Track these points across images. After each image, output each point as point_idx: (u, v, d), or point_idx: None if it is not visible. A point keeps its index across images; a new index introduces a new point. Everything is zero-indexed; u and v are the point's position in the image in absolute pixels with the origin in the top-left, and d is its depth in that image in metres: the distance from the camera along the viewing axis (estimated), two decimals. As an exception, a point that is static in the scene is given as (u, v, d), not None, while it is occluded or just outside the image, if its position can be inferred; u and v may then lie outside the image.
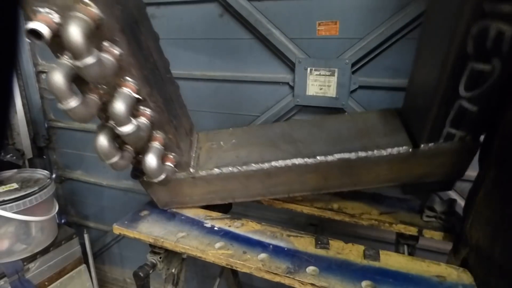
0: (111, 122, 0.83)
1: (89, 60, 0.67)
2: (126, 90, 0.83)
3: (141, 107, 0.91)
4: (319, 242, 1.09)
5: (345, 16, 1.46)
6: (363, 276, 0.95)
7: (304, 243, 1.11)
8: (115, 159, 0.88)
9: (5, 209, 1.64)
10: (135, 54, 0.82)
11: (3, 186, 1.78)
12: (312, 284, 0.93)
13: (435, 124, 1.02)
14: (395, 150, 1.07)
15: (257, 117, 1.78)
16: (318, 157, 1.10)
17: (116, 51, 0.77)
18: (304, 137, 1.20)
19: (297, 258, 1.04)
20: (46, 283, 1.92)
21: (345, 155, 1.08)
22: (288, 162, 1.11)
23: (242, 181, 1.17)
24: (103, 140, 0.85)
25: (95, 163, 2.43)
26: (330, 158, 1.09)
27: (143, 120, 0.90)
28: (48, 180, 1.90)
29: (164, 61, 1.09)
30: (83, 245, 2.24)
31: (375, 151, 1.08)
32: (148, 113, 0.92)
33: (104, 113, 0.88)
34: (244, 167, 1.13)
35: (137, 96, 0.85)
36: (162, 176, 0.98)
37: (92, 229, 2.59)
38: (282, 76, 1.67)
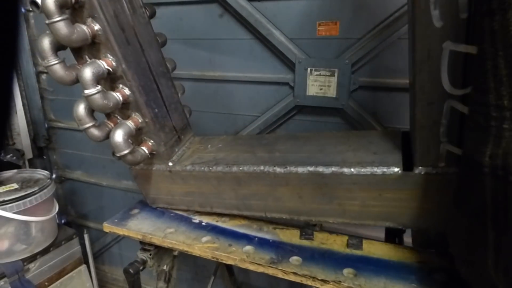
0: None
1: (56, 18, 0.82)
2: (100, 61, 0.95)
3: (120, 85, 1.02)
4: (304, 233, 1.10)
5: (345, 16, 1.46)
6: (345, 264, 0.97)
7: (289, 235, 1.13)
8: (87, 125, 0.99)
9: (5, 209, 1.64)
10: (114, 33, 0.95)
11: (3, 186, 1.78)
12: (294, 273, 0.96)
13: (424, 136, 0.81)
14: (379, 170, 0.89)
15: (257, 117, 1.78)
16: (288, 167, 1.00)
17: (95, 26, 0.92)
18: (285, 148, 1.13)
19: (281, 249, 1.06)
20: (46, 283, 1.91)
21: (318, 169, 0.96)
22: (256, 168, 1.05)
23: (215, 185, 1.14)
24: (80, 106, 0.98)
25: (95, 163, 2.44)
26: (300, 169, 0.98)
27: (116, 94, 1.00)
28: (48, 180, 1.90)
29: (159, 56, 1.17)
30: (83, 245, 2.23)
31: (353, 169, 0.91)
32: (125, 91, 1.02)
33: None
34: (214, 167, 1.12)
35: (108, 68, 0.96)
36: (125, 151, 1.00)
37: (92, 229, 2.59)
38: (282, 76, 1.66)
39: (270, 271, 0.99)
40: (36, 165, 2.47)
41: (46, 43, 0.88)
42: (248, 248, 1.07)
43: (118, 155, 1.01)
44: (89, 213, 2.65)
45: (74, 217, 2.72)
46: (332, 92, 1.54)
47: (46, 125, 2.48)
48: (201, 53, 1.79)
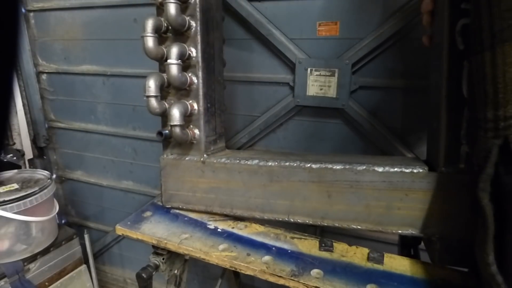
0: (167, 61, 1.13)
1: (172, 0, 1.09)
2: (184, 45, 1.17)
3: (190, 73, 1.20)
4: (323, 245, 1.09)
5: (346, 17, 1.46)
6: (367, 280, 0.94)
7: (308, 246, 1.11)
8: (152, 93, 1.14)
9: (5, 210, 1.64)
10: (202, 32, 1.17)
11: (3, 187, 1.78)
12: (316, 287, 0.93)
13: (448, 137, 0.91)
14: (407, 169, 0.97)
15: (257, 117, 1.78)
16: (323, 163, 1.06)
17: (192, 22, 1.16)
18: (317, 157, 1.18)
19: (301, 261, 1.03)
20: (47, 283, 1.92)
21: (353, 166, 1.02)
22: (292, 162, 1.10)
23: (245, 179, 1.16)
24: (153, 78, 1.14)
25: (96, 164, 2.44)
26: (335, 166, 1.05)
27: (186, 76, 1.18)
28: (49, 180, 1.90)
29: (221, 68, 1.35)
30: (83, 246, 2.24)
31: (385, 167, 0.99)
32: (193, 79, 1.20)
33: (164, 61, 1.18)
34: (250, 161, 1.15)
35: (189, 53, 1.17)
36: (179, 123, 1.13)
37: (93, 229, 2.59)
38: (282, 77, 1.66)
39: (291, 284, 0.96)
40: (36, 165, 2.47)
41: (149, 21, 1.11)
42: (267, 258, 1.05)
43: (172, 123, 1.13)
44: (89, 213, 2.65)
45: (74, 218, 2.72)
46: (332, 92, 1.54)
47: (46, 125, 2.48)
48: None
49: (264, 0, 1.58)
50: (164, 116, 1.23)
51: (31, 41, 2.31)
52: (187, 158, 1.25)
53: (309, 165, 1.08)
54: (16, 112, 2.38)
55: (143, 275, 1.17)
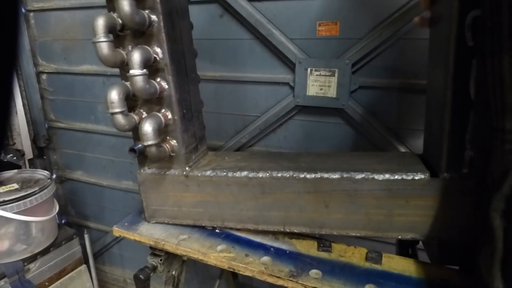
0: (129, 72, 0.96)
1: None
2: (149, 48, 1.00)
3: (159, 78, 1.05)
4: (322, 245, 1.08)
5: (346, 17, 1.46)
6: (366, 280, 0.94)
7: (306, 246, 1.10)
8: (117, 110, 0.97)
9: (5, 210, 1.64)
10: (166, 28, 1.01)
11: (3, 187, 1.78)
12: None
13: (451, 142, 0.86)
14: (408, 176, 0.92)
15: (257, 117, 1.78)
16: (318, 172, 1.00)
17: (153, 16, 0.99)
18: (309, 160, 1.11)
19: (300, 261, 1.03)
20: (47, 283, 1.92)
21: (351, 175, 0.96)
22: (285, 173, 1.03)
23: (234, 192, 1.09)
24: (115, 90, 0.97)
25: (96, 164, 2.44)
26: (332, 175, 0.98)
27: (155, 83, 1.03)
28: (49, 180, 1.90)
29: (193, 64, 1.22)
30: (83, 246, 2.24)
31: (384, 175, 0.94)
32: (163, 85, 1.05)
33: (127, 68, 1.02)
34: (239, 173, 1.08)
35: (154, 56, 1.01)
36: (153, 141, 0.99)
37: (93, 229, 2.59)
38: (282, 77, 1.66)
39: (290, 285, 0.96)
40: (36, 165, 2.47)
41: (100, 21, 0.92)
42: (266, 259, 1.04)
43: (145, 144, 0.99)
44: (89, 213, 2.65)
45: (74, 218, 2.72)
46: (332, 92, 1.54)
47: (46, 125, 2.48)
48: (201, 53, 1.78)
49: (264, 0, 1.58)
50: (135, 129, 1.07)
51: (31, 41, 2.31)
52: (167, 173, 1.15)
53: (303, 175, 1.01)
54: (16, 112, 2.38)
55: (140, 276, 1.17)
